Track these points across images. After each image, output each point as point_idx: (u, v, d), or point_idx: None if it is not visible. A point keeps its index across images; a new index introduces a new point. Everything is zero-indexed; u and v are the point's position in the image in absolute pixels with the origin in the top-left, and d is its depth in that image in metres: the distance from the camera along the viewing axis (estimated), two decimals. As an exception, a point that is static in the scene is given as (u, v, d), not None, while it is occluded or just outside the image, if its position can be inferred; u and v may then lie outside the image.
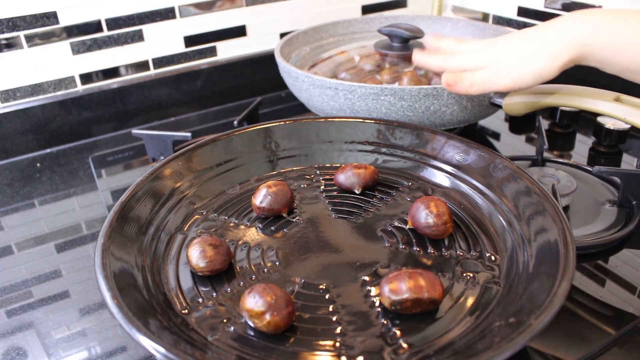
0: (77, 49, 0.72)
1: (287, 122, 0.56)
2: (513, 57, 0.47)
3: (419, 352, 0.34)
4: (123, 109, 0.76)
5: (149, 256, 0.42)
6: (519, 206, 0.44)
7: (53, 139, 0.73)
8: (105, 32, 0.73)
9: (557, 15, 0.80)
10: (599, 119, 0.63)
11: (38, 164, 0.69)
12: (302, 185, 0.52)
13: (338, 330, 0.36)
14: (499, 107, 0.58)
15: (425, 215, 0.43)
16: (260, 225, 0.47)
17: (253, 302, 0.35)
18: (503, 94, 0.57)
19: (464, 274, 0.40)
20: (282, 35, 0.86)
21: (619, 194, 0.51)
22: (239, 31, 0.83)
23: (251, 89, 0.85)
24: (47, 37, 0.69)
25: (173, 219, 0.47)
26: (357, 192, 0.50)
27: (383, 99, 0.55)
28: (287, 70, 0.62)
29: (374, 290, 0.39)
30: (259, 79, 0.85)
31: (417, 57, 0.55)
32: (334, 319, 0.37)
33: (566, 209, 0.51)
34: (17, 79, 0.70)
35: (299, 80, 0.61)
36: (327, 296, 0.39)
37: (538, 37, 0.46)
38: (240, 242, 0.45)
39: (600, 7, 0.74)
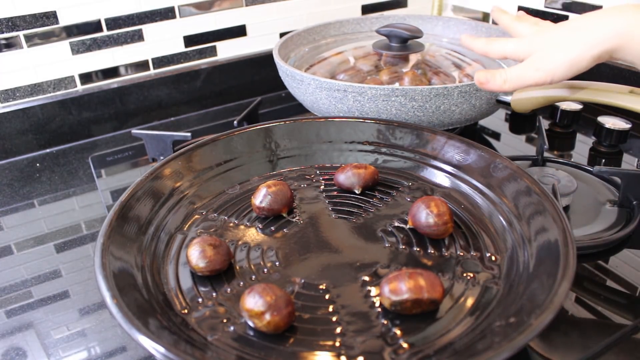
0: (77, 49, 0.72)
1: (287, 122, 0.56)
2: (547, 47, 0.46)
3: (419, 352, 0.34)
4: (123, 109, 0.76)
5: (148, 256, 0.42)
6: (519, 206, 0.44)
7: (53, 139, 0.73)
8: (105, 32, 0.73)
9: (558, 15, 0.80)
10: (599, 118, 0.63)
11: (38, 164, 0.69)
12: (302, 185, 0.52)
13: (338, 330, 0.36)
14: (507, 104, 0.58)
15: (425, 215, 0.43)
16: (260, 225, 0.47)
17: (253, 302, 0.35)
18: (510, 92, 0.58)
19: (464, 274, 0.40)
20: (282, 35, 0.85)
21: (620, 194, 0.51)
22: (239, 31, 0.83)
23: (251, 89, 0.85)
24: (46, 37, 0.69)
25: (173, 219, 0.47)
26: (357, 192, 0.50)
27: (394, 100, 0.55)
28: (291, 74, 0.61)
29: (374, 291, 0.39)
30: (259, 79, 0.84)
31: (465, 38, 0.53)
32: (334, 319, 0.37)
33: (566, 209, 0.51)
34: (16, 78, 0.69)
35: (304, 84, 0.60)
36: (327, 296, 0.39)
37: (574, 27, 0.45)
38: (240, 242, 0.45)
39: (601, 6, 0.74)
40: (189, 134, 0.59)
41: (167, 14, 0.76)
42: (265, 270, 0.42)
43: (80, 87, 0.74)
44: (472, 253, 0.42)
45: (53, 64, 0.71)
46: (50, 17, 0.68)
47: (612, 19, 0.43)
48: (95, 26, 0.72)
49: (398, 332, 0.35)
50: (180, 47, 0.79)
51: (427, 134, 0.53)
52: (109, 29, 0.73)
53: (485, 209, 0.47)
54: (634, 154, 0.63)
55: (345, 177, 0.50)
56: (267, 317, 0.34)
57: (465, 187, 0.49)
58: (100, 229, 0.40)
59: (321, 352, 0.34)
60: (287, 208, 0.47)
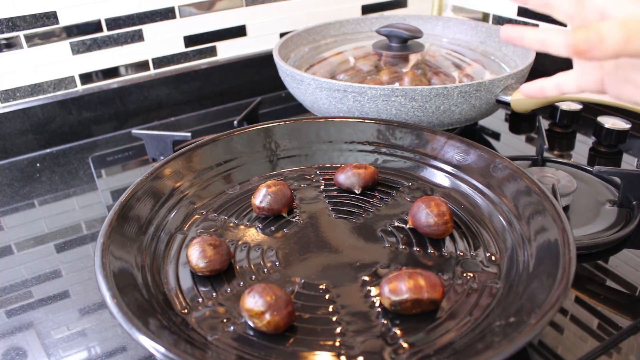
0: (77, 49, 0.72)
1: (287, 122, 0.56)
2: None
3: (419, 352, 0.34)
4: (123, 109, 0.76)
5: (148, 256, 0.42)
6: (519, 206, 0.44)
7: (53, 139, 0.73)
8: (105, 32, 0.73)
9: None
10: (599, 118, 0.63)
11: (38, 164, 0.69)
12: (302, 185, 0.52)
13: (338, 330, 0.36)
14: (507, 104, 0.58)
15: (426, 214, 0.43)
16: (260, 225, 0.47)
17: (253, 302, 0.35)
18: (510, 91, 0.57)
19: (464, 274, 0.40)
20: (282, 35, 0.86)
21: (619, 194, 0.51)
22: (239, 31, 0.83)
23: (251, 89, 0.85)
24: (47, 37, 0.69)
25: (173, 219, 0.47)
26: (357, 192, 0.50)
27: (394, 100, 0.55)
28: (291, 74, 0.61)
29: (374, 291, 0.39)
30: (259, 79, 0.84)
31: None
32: (334, 319, 0.37)
33: (566, 209, 0.51)
34: (17, 79, 0.69)
35: (304, 84, 0.60)
36: (327, 296, 0.39)
37: None
38: (240, 242, 0.45)
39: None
40: (189, 134, 0.59)
41: (167, 14, 0.76)
42: (265, 270, 0.42)
43: (80, 87, 0.74)
44: (472, 253, 0.42)
45: (53, 64, 0.71)
46: (50, 17, 0.68)
47: None
48: (95, 26, 0.72)
49: (398, 332, 0.35)
50: (180, 47, 0.79)
51: (427, 134, 0.53)
52: (109, 29, 0.73)
53: (485, 209, 0.47)
54: (633, 154, 0.63)
55: (345, 177, 0.50)
56: (267, 317, 0.34)
57: (465, 187, 0.49)
58: (100, 229, 0.40)
59: (321, 352, 0.34)
60: (287, 208, 0.47)
